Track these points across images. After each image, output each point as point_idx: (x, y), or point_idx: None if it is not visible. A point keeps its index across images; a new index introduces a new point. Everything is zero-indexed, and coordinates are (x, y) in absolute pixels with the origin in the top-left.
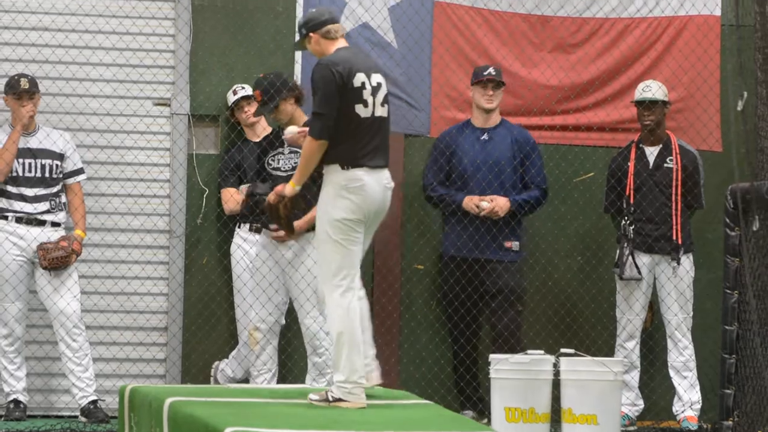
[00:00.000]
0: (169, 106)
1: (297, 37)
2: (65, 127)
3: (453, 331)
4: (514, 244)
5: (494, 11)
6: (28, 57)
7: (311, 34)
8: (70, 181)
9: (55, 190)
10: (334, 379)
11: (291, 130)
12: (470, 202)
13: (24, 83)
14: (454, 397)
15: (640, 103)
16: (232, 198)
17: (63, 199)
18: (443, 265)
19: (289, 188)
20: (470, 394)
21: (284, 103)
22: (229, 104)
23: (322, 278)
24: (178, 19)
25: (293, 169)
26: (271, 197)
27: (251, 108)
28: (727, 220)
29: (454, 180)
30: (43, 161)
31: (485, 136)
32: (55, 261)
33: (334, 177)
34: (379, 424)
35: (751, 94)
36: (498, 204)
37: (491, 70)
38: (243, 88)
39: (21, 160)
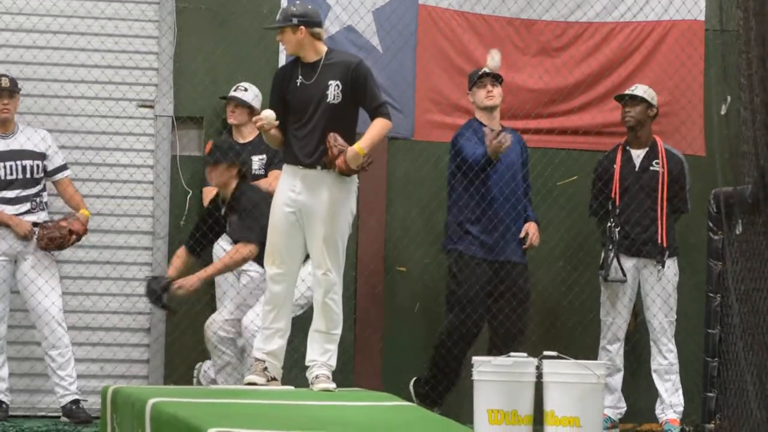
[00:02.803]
0: (153, 108)
1: (279, 20)
2: (48, 129)
3: (452, 334)
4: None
5: (479, 15)
6: (11, 59)
7: (302, 27)
8: (58, 176)
9: (36, 190)
10: (330, 361)
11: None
12: (490, 137)
13: (5, 82)
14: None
15: (625, 100)
16: None
17: (44, 198)
18: (456, 262)
19: (355, 149)
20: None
21: (223, 169)
22: (229, 94)
23: (337, 270)
24: (162, 21)
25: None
26: (335, 149)
27: (236, 112)
28: (710, 224)
29: (464, 178)
30: (24, 162)
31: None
32: (51, 241)
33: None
34: (362, 425)
35: (734, 98)
36: (532, 234)
37: (485, 68)
38: (245, 90)
39: (2, 163)
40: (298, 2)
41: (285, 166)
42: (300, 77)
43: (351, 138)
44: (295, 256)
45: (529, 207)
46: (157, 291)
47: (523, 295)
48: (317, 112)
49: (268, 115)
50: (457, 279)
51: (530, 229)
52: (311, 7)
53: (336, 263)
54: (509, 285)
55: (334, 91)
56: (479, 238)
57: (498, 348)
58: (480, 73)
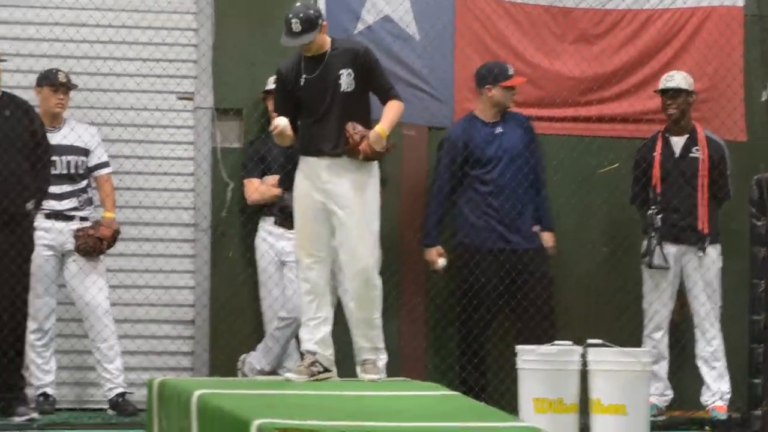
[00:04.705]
0: (192, 100)
1: (302, 31)
2: (90, 122)
3: (467, 323)
4: (538, 228)
5: (516, 3)
6: (52, 52)
7: (325, 23)
8: (99, 172)
9: (81, 185)
10: (377, 345)
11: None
12: (433, 254)
13: (62, 77)
14: (481, 387)
15: (664, 93)
16: (256, 189)
17: (89, 194)
18: (463, 256)
19: (377, 131)
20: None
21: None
22: (266, 88)
23: (371, 255)
24: (201, 13)
25: None
26: (356, 136)
27: None
28: (753, 210)
29: (471, 177)
30: (69, 158)
31: (498, 129)
32: (86, 253)
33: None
34: (409, 414)
35: None
36: (549, 244)
37: (512, 69)
38: None
39: None
40: (302, 4)
41: (303, 158)
42: (304, 73)
43: (367, 124)
44: (326, 242)
45: (543, 206)
46: None
47: (544, 282)
48: (333, 103)
49: (285, 124)
50: (462, 272)
51: (547, 241)
52: (310, 1)
53: (368, 248)
54: (522, 272)
55: (346, 79)
56: (481, 228)
57: (524, 336)
58: (510, 73)
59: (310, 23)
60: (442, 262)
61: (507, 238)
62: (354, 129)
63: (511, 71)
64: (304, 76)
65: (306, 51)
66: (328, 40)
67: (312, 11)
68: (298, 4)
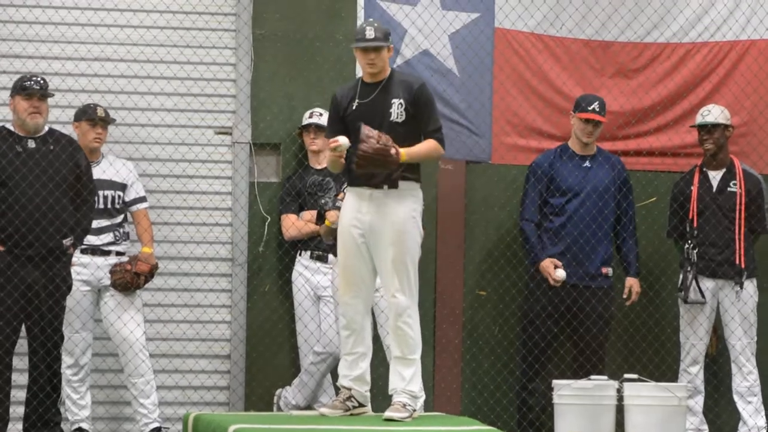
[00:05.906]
0: (231, 134)
1: (375, 38)
2: (128, 157)
3: (527, 356)
4: (609, 270)
5: (555, 37)
6: (90, 87)
7: (391, 45)
8: (136, 207)
9: (118, 220)
10: (409, 387)
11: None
12: (549, 266)
13: (100, 112)
14: (517, 423)
15: (702, 127)
16: (293, 225)
17: (126, 229)
18: (532, 287)
19: (399, 151)
20: (533, 419)
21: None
22: (302, 123)
23: (409, 293)
24: (239, 48)
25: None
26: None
27: (318, 138)
28: None
29: (550, 205)
30: (106, 192)
31: (587, 163)
32: (123, 288)
33: (417, 193)
34: None
35: None
36: (634, 290)
37: (596, 105)
38: (321, 114)
39: None
40: (375, 20)
41: (350, 189)
42: (357, 98)
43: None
44: (367, 278)
45: (632, 254)
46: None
47: (603, 320)
48: (380, 130)
49: (344, 141)
50: (529, 299)
51: (633, 287)
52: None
53: (406, 285)
54: (585, 308)
55: (397, 109)
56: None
57: (577, 372)
58: (589, 109)
59: (384, 33)
60: (560, 273)
61: (570, 273)
62: (371, 131)
63: (591, 106)
64: (357, 100)
65: (371, 65)
66: (389, 68)
67: (384, 28)
68: (369, 19)
